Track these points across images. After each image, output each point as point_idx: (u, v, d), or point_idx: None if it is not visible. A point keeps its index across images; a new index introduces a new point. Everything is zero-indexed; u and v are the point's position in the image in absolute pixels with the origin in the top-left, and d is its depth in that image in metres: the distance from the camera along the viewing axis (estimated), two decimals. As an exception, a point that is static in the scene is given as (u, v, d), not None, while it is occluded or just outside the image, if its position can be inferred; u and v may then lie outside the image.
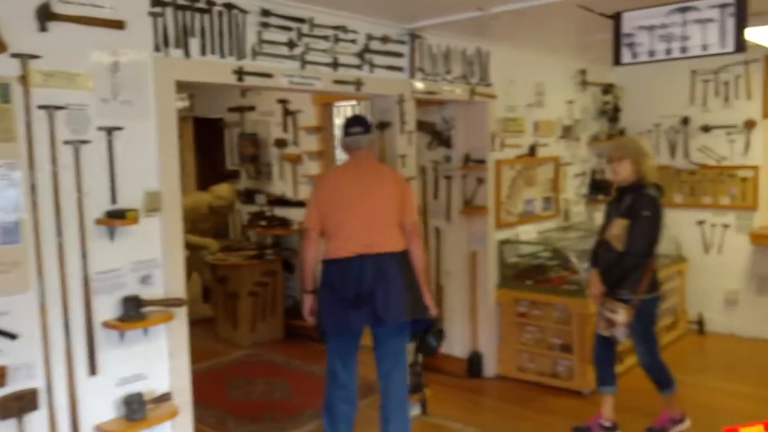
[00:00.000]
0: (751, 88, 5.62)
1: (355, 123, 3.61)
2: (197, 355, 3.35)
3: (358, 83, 4.02)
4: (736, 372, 5.12)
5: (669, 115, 6.18)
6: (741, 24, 2.88)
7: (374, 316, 3.25)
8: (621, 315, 3.70)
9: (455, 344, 5.32)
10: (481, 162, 5.09)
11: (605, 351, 4.02)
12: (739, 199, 5.76)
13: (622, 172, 3.79)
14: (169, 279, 3.10)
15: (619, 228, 3.76)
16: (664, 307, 5.69)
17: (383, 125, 4.38)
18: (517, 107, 5.38)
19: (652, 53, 3.18)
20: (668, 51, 3.12)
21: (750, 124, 5.60)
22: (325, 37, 3.84)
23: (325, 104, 6.08)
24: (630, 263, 3.70)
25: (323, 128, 6.09)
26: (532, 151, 5.54)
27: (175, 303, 3.00)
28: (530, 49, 5.37)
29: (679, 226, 6.11)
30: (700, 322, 6.04)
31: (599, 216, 6.25)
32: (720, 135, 5.85)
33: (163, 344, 3.09)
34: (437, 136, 5.24)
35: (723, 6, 2.92)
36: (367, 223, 3.33)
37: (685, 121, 6.02)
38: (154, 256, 3.05)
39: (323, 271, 3.43)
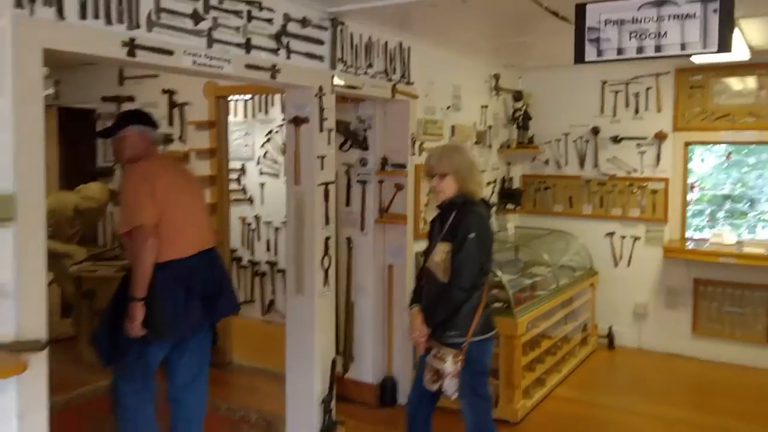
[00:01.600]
0: (661, 101, 5.63)
1: (146, 117, 3.31)
2: (54, 384, 2.54)
3: (273, 70, 3.39)
4: (645, 391, 5.03)
5: (579, 125, 6.09)
6: (726, 22, 2.62)
7: (219, 309, 3.32)
8: (449, 363, 2.97)
9: (365, 369, 4.80)
10: (401, 166, 4.62)
11: (421, 408, 3.26)
12: (649, 211, 5.77)
13: (446, 190, 3.08)
14: (25, 313, 2.30)
15: (441, 254, 3.04)
16: (575, 323, 5.56)
17: (299, 121, 3.78)
18: (435, 109, 4.98)
19: (621, 51, 2.86)
20: (640, 49, 2.82)
21: (660, 137, 5.61)
22: (237, 12, 3.18)
23: (220, 97, 5.33)
24: (457, 298, 2.96)
25: (216, 123, 5.33)
26: (451, 156, 5.15)
27: (32, 347, 2.21)
28: (449, 48, 5.01)
29: (588, 237, 6.03)
30: (610, 337, 5.98)
31: (510, 227, 6.04)
32: (630, 146, 5.83)
33: (10, 403, 2.28)
34: (352, 137, 4.70)
35: (706, 1, 2.65)
36: (199, 219, 3.32)
37: (596, 131, 5.95)
38: (1, 281, 2.25)
39: (163, 273, 3.03)
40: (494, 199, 6.03)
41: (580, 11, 2.98)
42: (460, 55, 5.24)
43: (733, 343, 5.43)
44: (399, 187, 4.66)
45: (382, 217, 4.72)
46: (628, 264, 5.94)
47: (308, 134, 3.79)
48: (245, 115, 6.54)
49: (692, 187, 5.71)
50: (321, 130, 3.81)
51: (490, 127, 5.81)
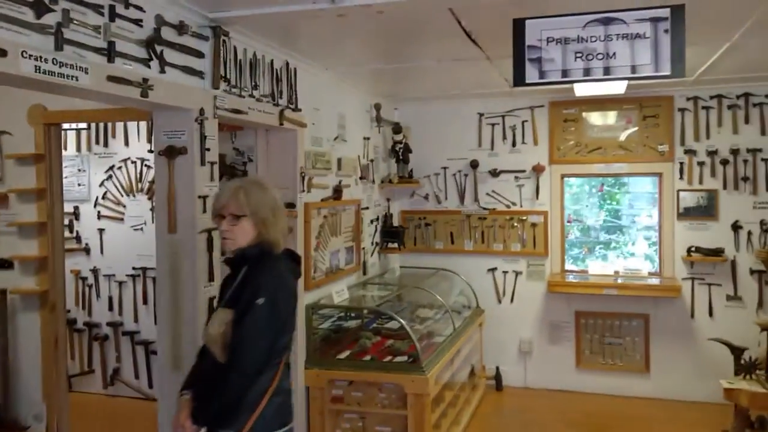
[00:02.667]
0: (537, 134, 5.62)
1: None
2: None
3: (144, 85, 2.62)
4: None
5: (457, 158, 5.89)
6: (678, 43, 2.41)
7: None
8: None
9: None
10: (289, 206, 3.97)
11: None
12: (530, 245, 5.68)
13: (239, 237, 2.32)
14: None
15: (220, 325, 2.25)
16: (467, 367, 5.24)
17: (173, 152, 3.00)
18: (322, 140, 4.42)
19: (566, 73, 2.55)
20: (587, 71, 2.53)
21: (538, 169, 5.58)
22: (96, 7, 2.38)
23: (50, 124, 4.27)
24: (235, 386, 2.20)
25: (46, 157, 4.26)
26: (338, 193, 4.61)
27: None
28: (333, 73, 4.50)
29: (472, 274, 5.80)
30: (498, 378, 5.75)
31: (396, 268, 5.62)
32: (509, 180, 5.74)
33: None
34: (229, 172, 3.97)
35: (655, 20, 2.43)
36: None
37: (474, 164, 5.79)
38: None
39: None
40: (377, 238, 5.57)
41: (519, 27, 2.64)
42: (343, 80, 4.76)
43: (615, 375, 5.46)
44: (288, 230, 3.99)
45: (268, 265, 4.00)
46: (512, 300, 5.80)
47: (186, 168, 3.02)
48: (78, 148, 5.42)
49: (569, 220, 5.75)
50: (203, 163, 3.06)
51: (372, 161, 5.38)
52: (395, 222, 6.05)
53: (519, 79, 2.62)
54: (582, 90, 4.81)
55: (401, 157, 5.73)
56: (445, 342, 4.60)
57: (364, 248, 5.21)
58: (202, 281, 3.10)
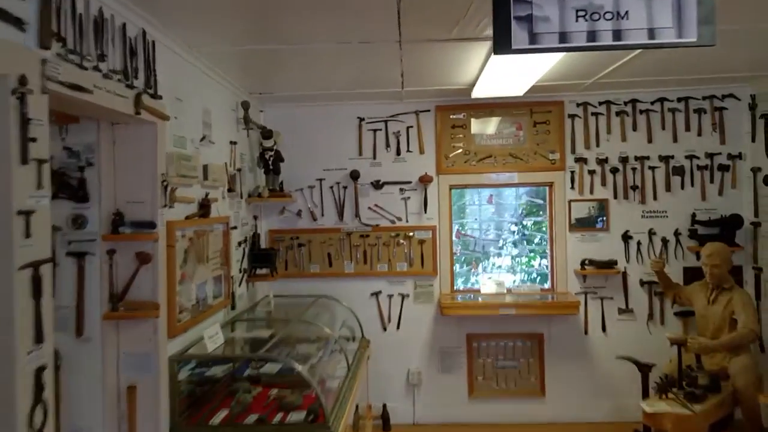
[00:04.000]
0: (423, 142, 5.08)
1: None
2: None
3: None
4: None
5: (335, 168, 5.15)
6: (707, 2, 1.93)
7: None
8: None
9: None
10: (147, 226, 2.94)
11: None
12: (417, 264, 5.10)
13: None
14: None
15: None
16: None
17: (-27, 144, 1.90)
18: (186, 141, 3.43)
19: (565, 37, 1.95)
20: (592, 35, 1.95)
21: (425, 180, 5.04)
22: None
23: None
24: None
25: None
26: (205, 208, 3.63)
27: None
28: (197, 56, 3.55)
29: (354, 300, 5.08)
30: (384, 416, 5.06)
31: (271, 299, 4.73)
32: (393, 192, 5.12)
33: None
34: (58, 180, 2.82)
35: (676, -25, 1.92)
36: None
37: (355, 175, 5.09)
38: None
39: None
40: (245, 264, 4.61)
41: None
42: (209, 69, 3.80)
43: (509, 401, 5.05)
44: (144, 259, 2.96)
45: (116, 309, 2.92)
46: (398, 326, 5.17)
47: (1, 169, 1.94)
48: None
49: (458, 235, 5.28)
50: (24, 160, 1.99)
51: (239, 170, 4.43)
52: (264, 243, 5.13)
53: (503, 44, 1.97)
54: (481, 91, 4.37)
55: (271, 167, 4.85)
56: (344, 385, 3.81)
57: (233, 277, 4.24)
58: (26, 344, 2.01)
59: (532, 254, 5.26)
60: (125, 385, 2.98)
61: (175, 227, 3.15)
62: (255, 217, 4.94)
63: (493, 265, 5.35)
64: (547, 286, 5.11)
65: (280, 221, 5.20)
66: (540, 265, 5.25)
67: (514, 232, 5.32)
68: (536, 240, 5.24)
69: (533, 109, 4.97)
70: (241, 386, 3.72)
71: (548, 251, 5.10)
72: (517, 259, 5.33)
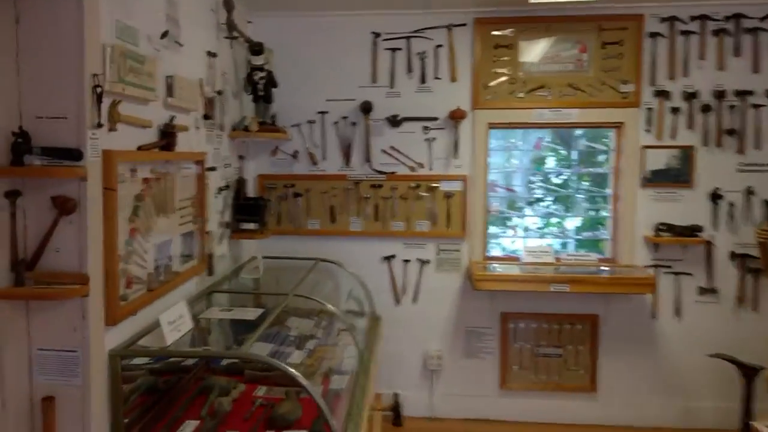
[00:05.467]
0: (456, 66, 3.99)
1: None
2: None
3: None
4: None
5: (342, 99, 4.07)
6: None
7: None
8: None
9: None
10: (69, 155, 1.87)
11: None
12: (442, 223, 4.08)
13: None
14: None
15: None
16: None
17: None
18: (139, 34, 2.32)
19: None
20: None
21: (456, 117, 3.97)
22: None
23: None
24: None
25: None
26: (168, 137, 2.56)
27: None
28: None
29: (361, 265, 4.07)
30: (396, 409, 4.13)
31: (259, 262, 3.72)
32: (415, 131, 4.06)
33: None
34: None
35: None
36: None
37: (366, 108, 4.01)
38: None
39: None
40: (226, 216, 3.56)
41: None
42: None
43: (552, 396, 4.12)
44: (65, 207, 1.90)
45: (21, 283, 1.88)
46: (415, 299, 4.18)
47: None
48: None
49: (495, 189, 4.24)
50: None
51: (220, 93, 3.33)
52: (251, 191, 4.07)
53: None
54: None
55: (261, 93, 3.74)
56: (356, 384, 2.83)
57: (209, 233, 3.20)
58: None
59: (567, 215, 4.23)
60: (40, 395, 1.96)
61: (118, 159, 2.08)
62: (241, 158, 3.86)
63: (520, 226, 4.33)
64: (606, 255, 4.12)
65: (271, 164, 4.13)
66: (576, 227, 4.25)
67: (556, 186, 4.30)
68: (578, 196, 4.22)
69: (602, 25, 3.87)
70: (217, 382, 2.74)
71: (610, 212, 4.09)
72: (548, 219, 4.31)
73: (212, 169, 3.24)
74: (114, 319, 2.08)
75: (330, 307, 3.15)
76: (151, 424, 2.39)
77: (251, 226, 3.74)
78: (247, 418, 2.51)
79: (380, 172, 4.09)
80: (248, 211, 3.71)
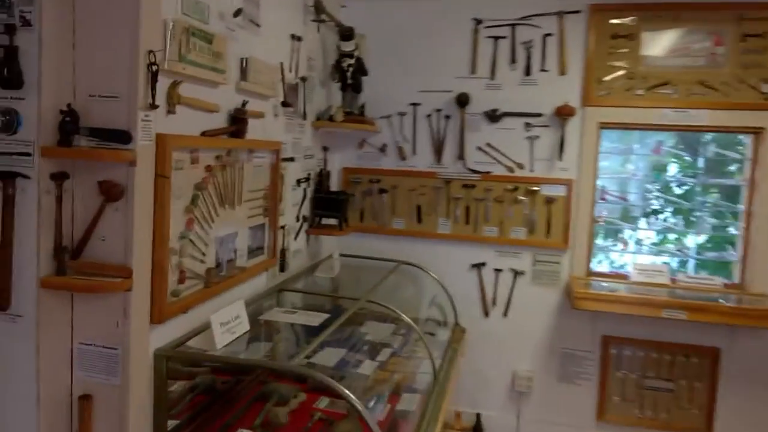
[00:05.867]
0: (567, 58, 3.57)
1: None
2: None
3: None
4: None
5: (436, 90, 3.77)
6: None
7: None
8: None
9: None
10: (118, 138, 1.72)
11: None
12: (541, 231, 3.68)
13: None
14: None
15: None
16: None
17: None
18: (208, 10, 2.15)
19: None
20: None
21: (564, 113, 3.55)
22: None
23: None
24: None
25: None
26: (239, 123, 2.38)
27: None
28: None
29: (447, 271, 3.76)
30: (478, 429, 3.78)
31: (335, 262, 3.51)
32: (516, 128, 3.68)
33: None
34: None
35: None
36: None
37: (462, 101, 3.69)
38: None
39: None
40: (305, 210, 3.38)
41: None
42: None
43: None
44: (111, 194, 1.75)
45: (62, 271, 1.75)
46: (505, 313, 3.81)
47: None
48: None
49: (604, 196, 3.78)
50: None
51: (304, 80, 3.14)
52: (335, 185, 3.87)
53: None
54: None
55: (350, 81, 3.52)
56: (428, 404, 2.54)
57: (284, 227, 3.02)
58: None
59: (687, 231, 3.66)
60: (77, 391, 1.84)
61: (175, 145, 1.91)
62: (325, 149, 3.67)
63: (632, 239, 3.82)
64: (732, 280, 3.54)
65: (357, 157, 3.91)
66: (697, 246, 3.67)
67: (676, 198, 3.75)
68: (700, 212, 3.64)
69: (743, 14, 3.30)
70: (277, 389, 2.54)
71: (741, 230, 3.51)
72: (666, 235, 3.76)
73: (290, 159, 3.06)
74: (161, 316, 1.92)
75: (405, 318, 2.87)
76: (199, 430, 2.23)
77: (331, 221, 3.54)
78: (308, 429, 2.30)
79: (474, 171, 3.75)
80: (328, 205, 3.51)
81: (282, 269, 3.04)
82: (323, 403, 2.57)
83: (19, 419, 1.80)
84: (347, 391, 1.87)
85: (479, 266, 3.82)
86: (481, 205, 3.76)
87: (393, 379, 2.82)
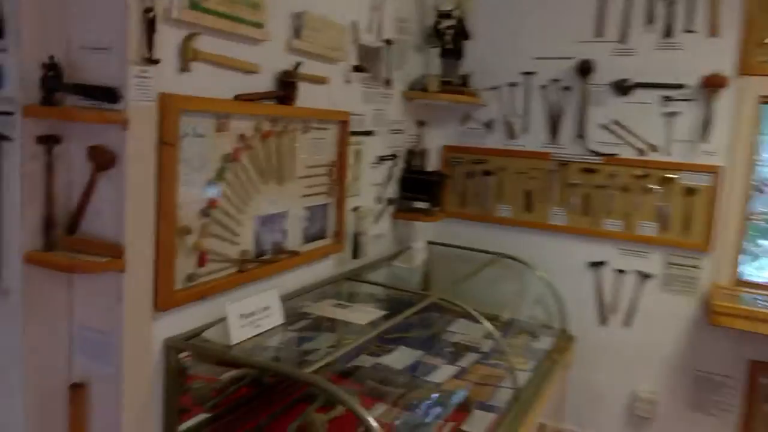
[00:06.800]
0: (719, 14, 2.84)
1: None
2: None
3: None
4: None
5: (553, 57, 3.20)
6: None
7: None
8: None
9: None
10: (108, 96, 1.49)
11: None
12: (676, 227, 3.01)
13: None
14: None
15: None
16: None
17: None
18: (245, -46, 1.87)
19: None
20: None
21: (712, 84, 2.84)
22: None
23: None
24: None
25: None
26: (286, 88, 2.08)
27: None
28: None
29: (557, 268, 3.21)
30: (585, 453, 3.24)
31: (419, 247, 3.12)
32: (650, 102, 3.02)
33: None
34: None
35: None
36: None
37: (585, 69, 3.09)
38: None
39: None
40: (392, 191, 3.04)
41: None
42: None
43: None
44: (101, 162, 1.54)
45: (48, 247, 1.58)
46: (627, 322, 3.18)
47: None
48: None
49: (763, 189, 3.00)
50: None
51: (388, 42, 2.78)
52: (432, 164, 3.48)
53: None
54: None
55: (449, 47, 3.09)
56: (500, 424, 2.11)
57: (358, 209, 2.71)
58: None
59: None
60: (69, 377, 1.68)
61: (184, 107, 1.66)
62: (420, 124, 3.28)
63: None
64: None
65: (461, 134, 3.47)
66: None
67: None
68: None
69: None
70: (323, 391, 2.22)
71: None
72: None
73: (368, 133, 2.73)
74: (168, 302, 1.70)
75: (486, 323, 2.44)
76: (229, 428, 2.00)
77: (423, 205, 3.16)
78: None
79: (596, 153, 3.15)
80: (419, 187, 3.13)
81: (355, 256, 2.73)
82: (377, 411, 2.24)
83: (3, 403, 1.67)
84: (360, 408, 1.52)
85: (598, 265, 3.22)
86: (603, 194, 3.15)
87: (466, 390, 2.40)
